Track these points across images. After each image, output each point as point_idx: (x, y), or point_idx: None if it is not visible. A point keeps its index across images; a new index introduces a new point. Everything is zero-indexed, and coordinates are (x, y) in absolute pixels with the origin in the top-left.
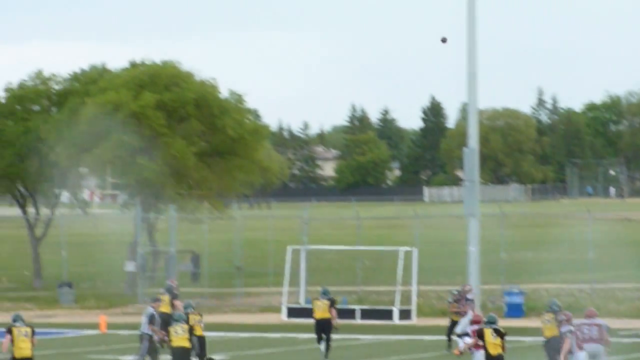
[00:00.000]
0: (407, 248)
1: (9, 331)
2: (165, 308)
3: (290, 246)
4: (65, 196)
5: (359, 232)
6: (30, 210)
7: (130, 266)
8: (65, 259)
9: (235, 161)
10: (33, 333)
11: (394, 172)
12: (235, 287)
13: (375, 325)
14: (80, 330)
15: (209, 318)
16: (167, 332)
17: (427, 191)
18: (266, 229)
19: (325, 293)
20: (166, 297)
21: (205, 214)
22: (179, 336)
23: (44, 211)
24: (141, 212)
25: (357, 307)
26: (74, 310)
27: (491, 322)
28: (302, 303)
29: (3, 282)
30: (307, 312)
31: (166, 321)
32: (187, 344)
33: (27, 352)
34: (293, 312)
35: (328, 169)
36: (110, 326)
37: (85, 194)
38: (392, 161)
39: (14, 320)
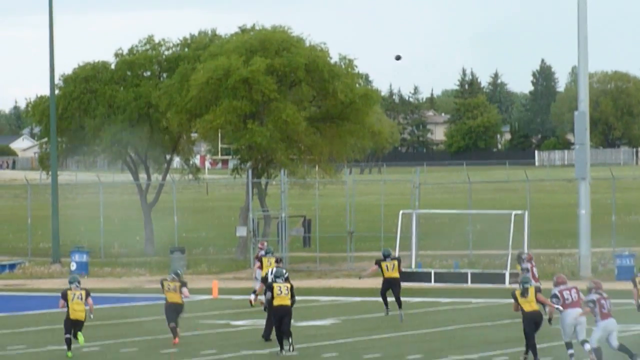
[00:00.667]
0: (518, 211)
1: (64, 295)
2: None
3: (401, 210)
4: (176, 162)
5: (469, 196)
6: (142, 176)
7: (241, 231)
8: (177, 225)
9: (346, 126)
10: (87, 295)
11: (505, 136)
12: (347, 251)
13: (487, 289)
14: (192, 296)
15: (320, 282)
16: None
17: (537, 155)
18: (377, 194)
19: (387, 255)
20: (272, 259)
21: (316, 178)
22: (283, 295)
23: (155, 177)
24: (252, 177)
25: (468, 271)
26: (185, 275)
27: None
28: (413, 267)
29: (115, 248)
30: (418, 276)
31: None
32: (288, 303)
33: (80, 315)
34: (404, 276)
35: (438, 133)
36: (222, 291)
37: (197, 160)
38: (503, 125)
39: (70, 282)
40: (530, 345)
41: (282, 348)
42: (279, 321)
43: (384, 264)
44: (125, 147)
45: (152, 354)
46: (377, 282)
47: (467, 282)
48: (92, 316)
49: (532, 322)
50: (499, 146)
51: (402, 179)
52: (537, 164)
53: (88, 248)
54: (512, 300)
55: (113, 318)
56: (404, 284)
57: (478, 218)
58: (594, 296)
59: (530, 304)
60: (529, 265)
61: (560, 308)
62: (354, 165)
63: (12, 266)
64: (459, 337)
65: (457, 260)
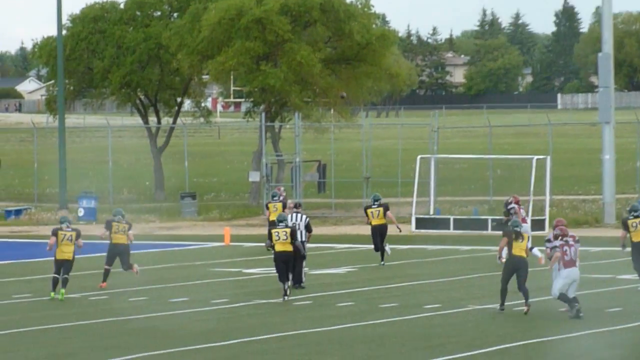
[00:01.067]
0: (540, 156)
1: (55, 233)
2: (275, 216)
3: (419, 155)
4: (187, 105)
5: (490, 141)
6: (152, 119)
7: (254, 176)
8: (188, 170)
9: (362, 68)
10: (77, 237)
11: (526, 79)
12: (363, 197)
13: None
14: (203, 243)
15: (336, 229)
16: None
17: (560, 98)
18: (394, 138)
19: (376, 199)
20: (279, 205)
21: (331, 122)
22: (281, 241)
23: (166, 120)
24: (265, 120)
25: (488, 218)
26: (196, 222)
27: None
28: (431, 213)
29: (124, 194)
30: (436, 223)
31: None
32: (289, 248)
33: (67, 256)
34: (422, 223)
35: (458, 76)
36: (234, 238)
37: (208, 103)
38: (524, 67)
39: (61, 222)
40: (502, 290)
41: (286, 294)
42: (282, 267)
43: (369, 211)
44: (134, 90)
45: (162, 303)
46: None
47: (487, 229)
48: (80, 244)
49: (512, 269)
50: (520, 89)
51: (420, 122)
52: (559, 107)
53: (96, 194)
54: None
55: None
56: (421, 231)
57: (498, 163)
58: (558, 242)
59: (519, 249)
60: (515, 207)
61: (542, 261)
62: (370, 109)
63: (18, 212)
64: (478, 286)
65: (476, 207)
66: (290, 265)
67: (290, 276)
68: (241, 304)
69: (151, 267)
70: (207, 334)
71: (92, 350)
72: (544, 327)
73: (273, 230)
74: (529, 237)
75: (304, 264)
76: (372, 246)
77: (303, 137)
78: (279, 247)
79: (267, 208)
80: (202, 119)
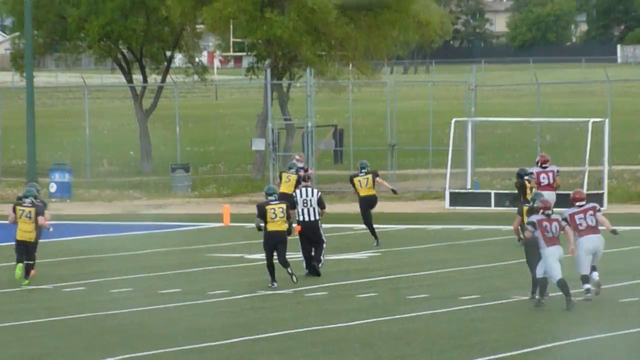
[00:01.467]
0: (597, 119)
1: (13, 209)
2: (285, 188)
3: (454, 118)
4: (178, 60)
5: (537, 101)
6: (136, 77)
7: (258, 145)
8: (180, 137)
9: (386, 15)
10: (38, 213)
11: (580, 27)
12: (387, 169)
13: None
14: (198, 224)
15: (355, 207)
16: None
17: (620, 50)
18: (424, 98)
19: (363, 167)
20: (293, 177)
21: (349, 79)
22: (278, 219)
23: (153, 79)
24: (271, 78)
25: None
26: (190, 199)
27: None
28: (468, 188)
29: (104, 166)
30: (474, 198)
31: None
32: (283, 228)
33: (28, 236)
34: (457, 199)
35: (499, 24)
36: (235, 218)
37: (203, 57)
38: (578, 14)
39: (25, 196)
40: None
41: (273, 280)
42: (271, 250)
43: (356, 180)
44: (115, 42)
45: (149, 295)
46: (424, 206)
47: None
48: (50, 229)
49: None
50: (573, 39)
51: (455, 79)
52: (619, 60)
53: (71, 165)
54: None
55: (102, 251)
56: (456, 209)
57: (548, 127)
58: (536, 217)
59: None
60: (534, 173)
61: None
62: (396, 63)
63: None
64: (523, 273)
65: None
66: (280, 248)
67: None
68: (244, 295)
69: (136, 252)
70: (204, 331)
71: (68, 350)
72: (602, 319)
73: (268, 207)
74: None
75: (323, 249)
76: (399, 226)
77: (316, 97)
78: (272, 227)
79: (280, 178)
80: (196, 77)
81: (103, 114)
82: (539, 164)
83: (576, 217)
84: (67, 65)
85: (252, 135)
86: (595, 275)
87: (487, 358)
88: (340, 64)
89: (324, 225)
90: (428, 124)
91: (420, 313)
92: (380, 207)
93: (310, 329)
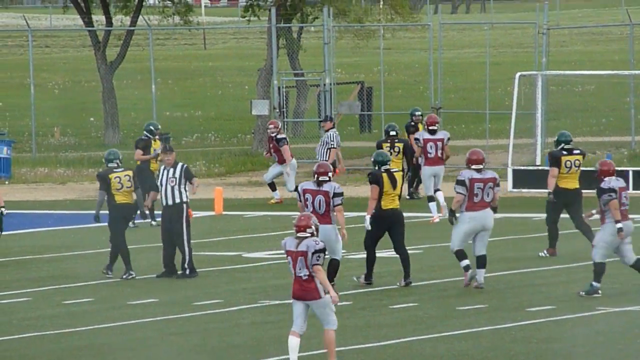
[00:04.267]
0: None
1: None
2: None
3: (518, 72)
4: None
5: (631, 48)
6: (97, 19)
7: (260, 108)
8: (156, 98)
9: None
10: None
11: None
12: None
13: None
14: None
15: None
16: None
17: None
18: (479, 46)
19: (391, 130)
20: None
21: (379, 22)
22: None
23: (120, 20)
24: (277, 20)
25: (629, 169)
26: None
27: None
28: (538, 164)
29: (55, 136)
30: (545, 179)
31: None
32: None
33: None
34: (523, 179)
35: None
36: (230, 205)
37: None
38: None
39: None
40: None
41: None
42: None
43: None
44: None
45: (117, 307)
46: None
47: (627, 185)
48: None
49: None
50: None
51: (520, 20)
52: None
53: (11, 136)
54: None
55: (52, 249)
56: (522, 192)
57: None
58: (468, 174)
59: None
60: (421, 139)
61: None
62: (441, 1)
63: None
64: (613, 276)
65: (610, 151)
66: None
67: None
68: (241, 307)
69: (99, 250)
70: (188, 354)
71: None
72: None
73: (112, 175)
74: None
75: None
76: (447, 215)
77: (337, 45)
78: (120, 199)
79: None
80: (177, 19)
81: (53, 68)
82: (427, 127)
83: (476, 185)
84: (4, 2)
85: (252, 96)
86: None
87: None
88: (367, 2)
89: (346, 214)
90: (484, 81)
91: (475, 330)
92: (421, 190)
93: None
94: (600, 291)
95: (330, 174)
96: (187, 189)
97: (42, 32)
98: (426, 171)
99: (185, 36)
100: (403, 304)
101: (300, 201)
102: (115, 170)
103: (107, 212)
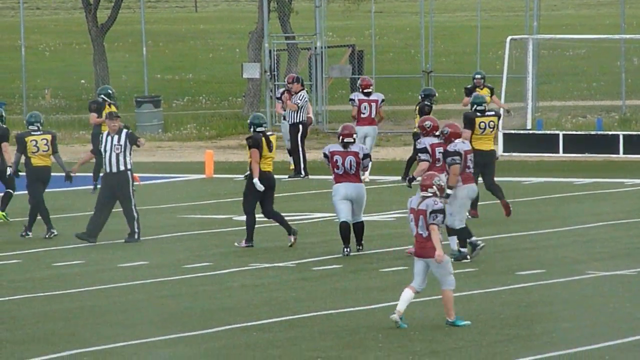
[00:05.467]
0: None
1: None
2: None
3: (509, 36)
4: None
5: (622, 12)
6: None
7: (251, 71)
8: (147, 61)
9: None
10: None
11: None
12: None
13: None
14: (172, 175)
15: (380, 153)
16: None
17: None
18: (470, 9)
19: (428, 94)
20: None
21: None
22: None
23: None
24: None
25: (619, 133)
26: (162, 142)
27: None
28: (528, 128)
29: (47, 98)
30: (536, 142)
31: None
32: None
33: None
34: (514, 143)
35: None
36: (220, 167)
37: None
38: None
39: None
40: None
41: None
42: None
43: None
44: None
45: (106, 270)
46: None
47: (618, 150)
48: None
49: None
50: None
51: None
52: None
53: (1, 98)
54: None
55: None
56: (512, 155)
57: (636, 47)
58: (428, 141)
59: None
60: (356, 99)
61: None
62: None
63: None
64: (602, 241)
65: (600, 116)
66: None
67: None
68: (231, 269)
69: (89, 213)
70: (178, 316)
71: None
72: None
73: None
74: None
75: None
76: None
77: (328, 8)
78: (36, 162)
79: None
80: None
81: (44, 30)
82: (361, 90)
83: (336, 156)
84: None
85: (243, 59)
86: None
87: (555, 354)
88: None
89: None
90: (474, 44)
91: (465, 293)
92: (404, 154)
93: (318, 314)
94: (469, 257)
95: (355, 136)
96: (131, 154)
97: None
98: (358, 131)
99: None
100: (393, 267)
101: (329, 164)
102: (33, 133)
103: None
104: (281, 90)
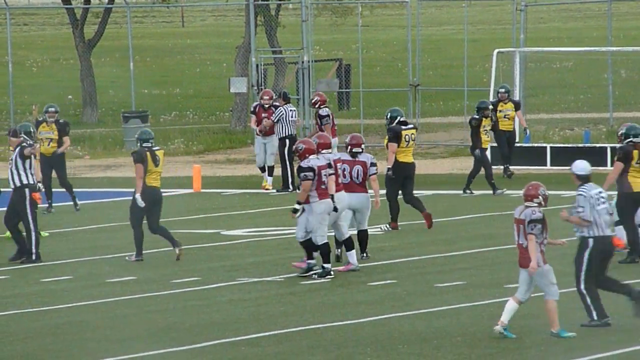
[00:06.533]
0: None
1: None
2: None
3: (496, 49)
4: None
5: (609, 25)
6: None
7: (238, 85)
8: (134, 76)
9: None
10: None
11: None
12: (409, 115)
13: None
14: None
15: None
16: None
17: None
18: (457, 23)
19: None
20: None
21: None
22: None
23: None
24: None
25: (607, 145)
26: None
27: None
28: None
29: (33, 114)
30: (524, 155)
31: None
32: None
33: None
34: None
35: None
36: (208, 182)
37: None
38: None
39: None
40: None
41: None
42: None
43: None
44: None
45: (93, 286)
46: (460, 165)
47: (605, 163)
48: None
49: None
50: None
51: None
52: None
53: None
54: None
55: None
56: (500, 168)
57: (623, 60)
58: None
59: None
60: None
61: None
62: None
63: None
64: None
65: (588, 129)
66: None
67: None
68: (219, 284)
69: (77, 228)
70: (167, 331)
71: None
72: None
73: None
74: None
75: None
76: (425, 192)
77: (315, 22)
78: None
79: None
80: None
81: (31, 46)
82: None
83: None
84: None
85: (231, 74)
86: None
87: None
88: None
89: None
90: (462, 57)
91: (453, 306)
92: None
93: (307, 328)
94: (332, 273)
95: (363, 146)
96: (31, 172)
97: (21, 10)
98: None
99: (164, 14)
100: (381, 281)
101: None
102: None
103: None
104: (254, 104)
